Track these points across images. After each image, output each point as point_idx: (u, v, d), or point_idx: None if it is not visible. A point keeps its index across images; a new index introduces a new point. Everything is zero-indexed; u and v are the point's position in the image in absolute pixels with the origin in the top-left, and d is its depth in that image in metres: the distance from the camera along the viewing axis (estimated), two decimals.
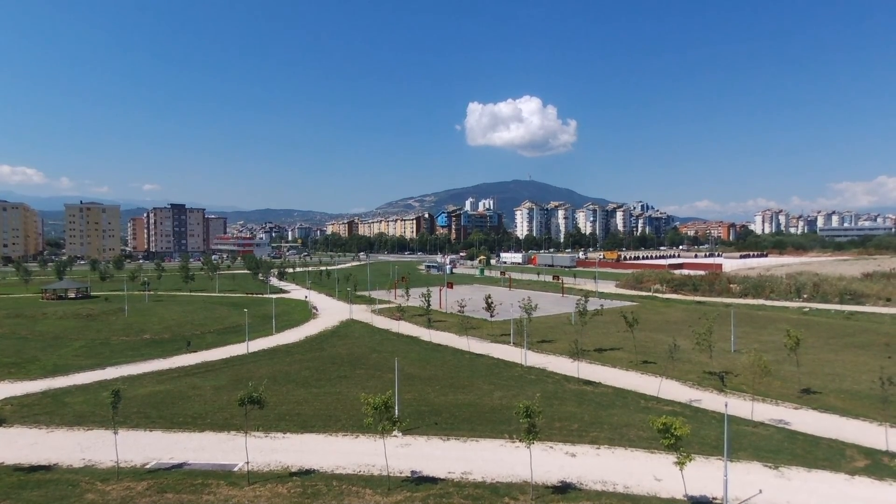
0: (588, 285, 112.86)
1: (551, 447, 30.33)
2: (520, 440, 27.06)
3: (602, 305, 73.56)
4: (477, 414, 36.10)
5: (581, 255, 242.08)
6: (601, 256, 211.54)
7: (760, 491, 25.11)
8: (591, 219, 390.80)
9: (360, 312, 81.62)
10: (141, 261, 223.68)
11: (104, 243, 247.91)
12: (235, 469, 27.91)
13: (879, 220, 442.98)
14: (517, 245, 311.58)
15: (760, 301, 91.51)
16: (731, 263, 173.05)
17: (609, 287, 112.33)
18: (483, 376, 45.73)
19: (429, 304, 70.72)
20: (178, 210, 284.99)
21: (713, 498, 24.54)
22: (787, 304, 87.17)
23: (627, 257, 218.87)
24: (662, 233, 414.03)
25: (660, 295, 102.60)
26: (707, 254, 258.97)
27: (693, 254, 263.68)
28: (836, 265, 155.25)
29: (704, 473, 26.45)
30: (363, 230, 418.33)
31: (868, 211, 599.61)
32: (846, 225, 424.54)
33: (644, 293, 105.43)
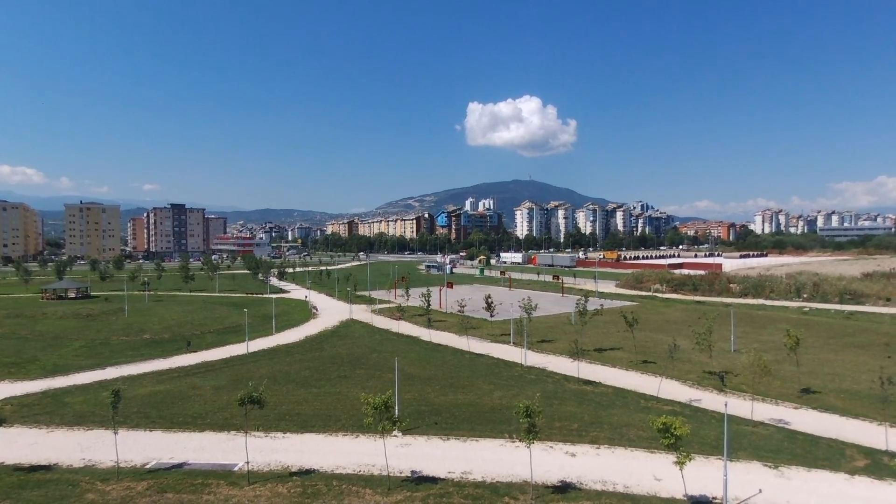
0: (588, 285, 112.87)
1: (551, 447, 30.34)
2: (520, 440, 27.08)
3: (602, 305, 73.54)
4: (477, 414, 36.11)
5: (581, 254, 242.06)
6: (601, 256, 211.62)
7: (760, 490, 25.12)
8: (591, 219, 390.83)
9: (360, 312, 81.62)
10: (141, 261, 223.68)
11: (104, 243, 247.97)
12: (235, 469, 27.92)
13: (879, 220, 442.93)
14: (517, 245, 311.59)
15: (760, 301, 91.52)
16: (731, 263, 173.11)
17: (609, 287, 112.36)
18: (483, 376, 45.74)
19: (429, 304, 70.73)
20: (178, 210, 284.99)
21: (713, 498, 24.55)
22: (786, 304, 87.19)
23: (627, 257, 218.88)
24: (662, 233, 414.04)
25: (660, 295, 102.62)
26: (707, 254, 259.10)
27: (693, 254, 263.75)
28: (835, 265, 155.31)
29: (704, 473, 26.46)
30: (363, 230, 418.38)
31: (868, 211, 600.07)
32: (846, 225, 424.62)
33: (644, 293, 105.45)
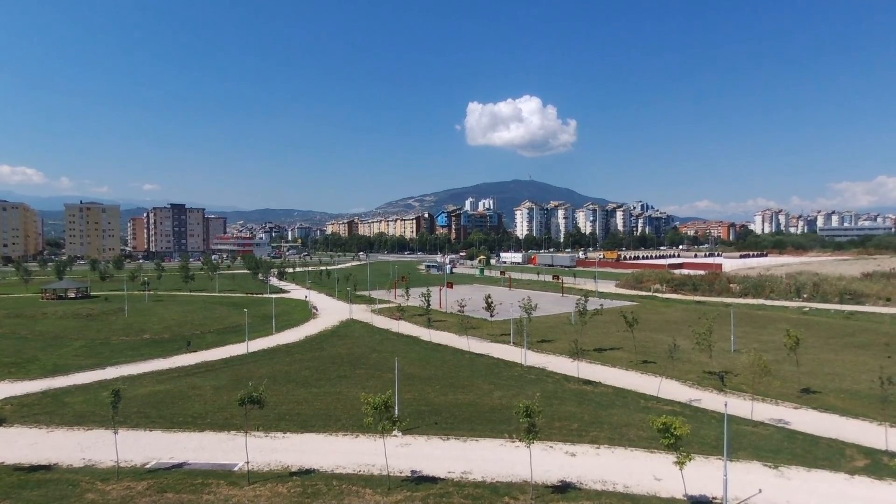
0: (588, 285, 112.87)
1: (551, 447, 30.34)
2: (520, 440, 27.08)
3: (602, 305, 73.56)
4: (477, 413, 36.12)
5: (581, 254, 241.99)
6: (601, 256, 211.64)
7: (760, 490, 25.12)
8: (591, 219, 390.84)
9: (360, 312, 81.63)
10: (141, 261, 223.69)
11: (104, 243, 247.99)
12: (235, 469, 27.92)
13: (879, 220, 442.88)
14: (517, 245, 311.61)
15: (760, 301, 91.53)
16: (731, 263, 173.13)
17: (609, 287, 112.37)
18: (483, 376, 45.75)
19: (429, 304, 70.74)
20: (178, 210, 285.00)
21: (713, 497, 24.55)
22: (786, 304, 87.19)
23: (627, 257, 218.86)
24: (662, 233, 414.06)
25: (660, 295, 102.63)
26: (707, 254, 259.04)
27: (693, 254, 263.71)
28: (835, 265, 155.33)
29: (704, 473, 26.46)
30: (363, 230, 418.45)
31: (868, 211, 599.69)
32: (846, 225, 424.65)
33: (644, 293, 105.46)
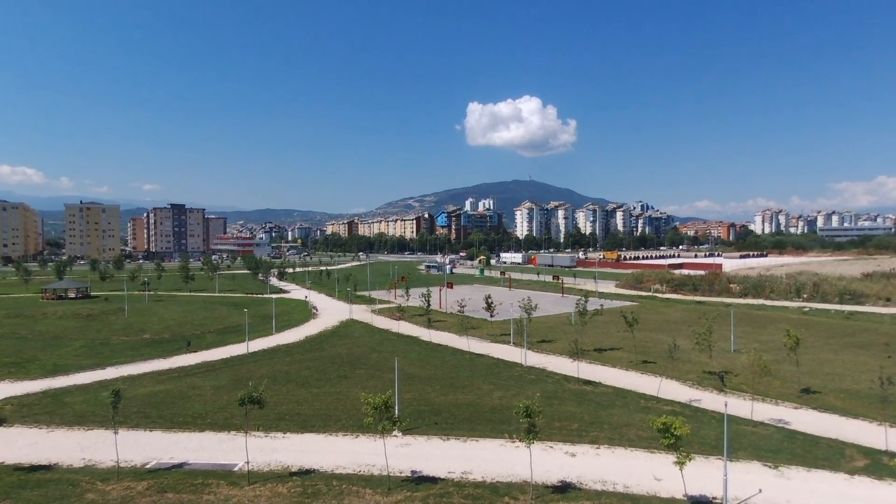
0: (588, 285, 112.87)
1: (551, 447, 30.34)
2: (520, 440, 27.09)
3: (602, 305, 73.56)
4: (477, 414, 36.12)
5: (581, 255, 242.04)
6: (601, 256, 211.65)
7: (760, 490, 25.13)
8: (591, 219, 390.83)
9: (360, 312, 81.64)
10: (141, 261, 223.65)
11: (104, 243, 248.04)
12: (235, 469, 27.93)
13: (879, 220, 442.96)
14: (517, 245, 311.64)
15: (760, 301, 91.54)
16: (731, 263, 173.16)
17: (609, 287, 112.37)
18: (483, 376, 45.75)
19: (429, 304, 70.72)
20: (178, 210, 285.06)
21: (713, 497, 24.56)
22: (786, 304, 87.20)
23: (627, 257, 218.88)
24: (662, 233, 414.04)
25: (660, 295, 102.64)
26: (707, 254, 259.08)
27: (693, 254, 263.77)
28: (835, 265, 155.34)
29: (704, 473, 26.47)
30: (363, 230, 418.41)
31: (868, 211, 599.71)
32: (846, 225, 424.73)
33: (644, 293, 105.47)
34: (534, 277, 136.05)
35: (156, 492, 25.47)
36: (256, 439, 31.13)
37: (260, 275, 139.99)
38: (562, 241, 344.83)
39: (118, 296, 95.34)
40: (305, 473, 27.34)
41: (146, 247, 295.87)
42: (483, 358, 52.40)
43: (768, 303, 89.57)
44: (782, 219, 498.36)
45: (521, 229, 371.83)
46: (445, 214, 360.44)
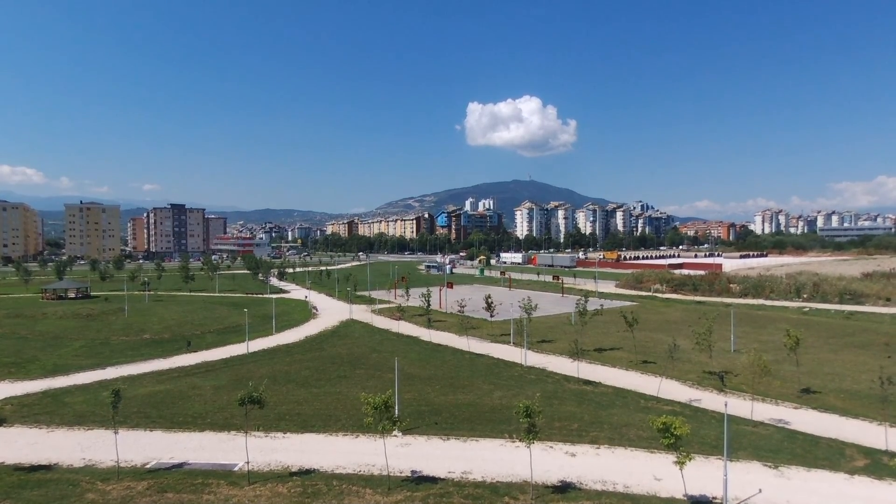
0: (588, 285, 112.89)
1: (551, 447, 30.35)
2: (520, 440, 27.10)
3: (602, 305, 73.58)
4: (477, 414, 36.13)
5: (581, 255, 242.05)
6: (601, 256, 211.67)
7: (760, 490, 25.14)
8: (591, 219, 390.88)
9: (360, 312, 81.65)
10: (141, 261, 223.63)
11: (104, 243, 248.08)
12: (236, 469, 27.93)
13: (879, 220, 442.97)
14: (517, 245, 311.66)
15: (760, 301, 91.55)
16: (731, 263, 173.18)
17: (609, 287, 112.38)
18: (483, 376, 45.76)
19: (429, 304, 70.73)
20: (178, 210, 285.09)
21: (713, 497, 24.56)
22: (786, 304, 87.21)
23: (627, 257, 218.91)
24: (662, 233, 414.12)
25: (660, 295, 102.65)
26: (707, 254, 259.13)
27: (693, 254, 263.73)
28: (835, 265, 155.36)
29: (704, 473, 26.47)
30: (363, 230, 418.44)
31: (868, 211, 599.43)
32: (846, 225, 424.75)
33: (644, 293, 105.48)
34: (534, 277, 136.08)
35: (156, 492, 25.47)
36: (256, 439, 31.14)
37: (260, 275, 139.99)
38: (562, 241, 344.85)
39: (118, 296, 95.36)
40: (305, 473, 27.34)
41: (146, 247, 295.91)
42: (483, 358, 52.40)
43: (768, 303, 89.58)
44: (782, 219, 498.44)
45: (521, 229, 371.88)
46: (445, 214, 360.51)
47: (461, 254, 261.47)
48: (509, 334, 60.54)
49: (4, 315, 79.79)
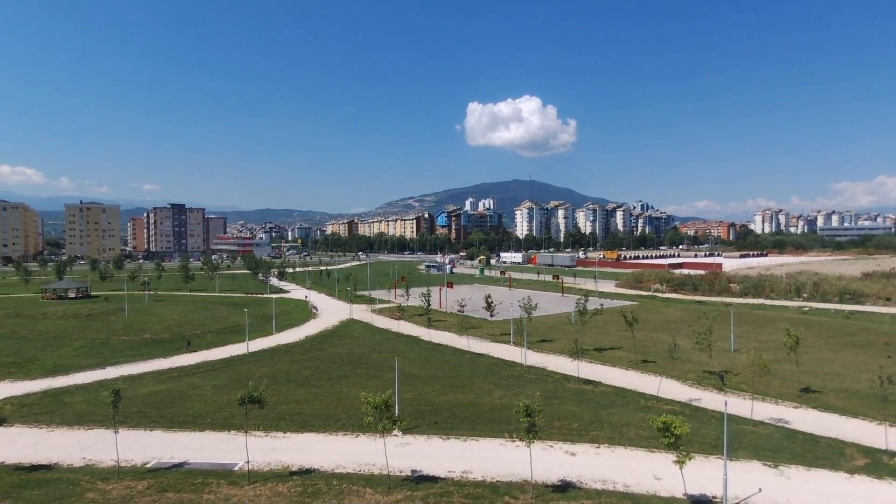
0: (588, 285, 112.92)
1: (551, 446, 30.37)
2: (520, 439, 27.11)
3: (602, 305, 73.61)
4: (477, 413, 36.14)
5: (581, 254, 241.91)
6: (601, 256, 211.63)
7: (760, 490, 25.15)
8: (591, 218, 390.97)
9: (360, 312, 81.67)
10: (141, 261, 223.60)
11: (104, 243, 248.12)
12: (236, 468, 27.95)
13: (879, 219, 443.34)
14: (517, 245, 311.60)
15: (760, 300, 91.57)
16: (731, 263, 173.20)
17: (609, 287, 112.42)
18: (483, 376, 45.78)
19: (429, 304, 70.75)
20: (178, 210, 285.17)
21: (713, 497, 24.58)
22: (786, 304, 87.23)
23: (627, 257, 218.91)
24: (662, 232, 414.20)
25: (660, 294, 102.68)
26: (707, 253, 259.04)
27: (693, 253, 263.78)
28: (835, 265, 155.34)
29: (704, 472, 26.49)
30: (363, 230, 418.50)
31: (868, 211, 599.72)
32: (846, 225, 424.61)
33: (644, 293, 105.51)
34: (534, 277, 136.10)
35: (156, 491, 25.49)
36: (256, 439, 31.15)
37: (260, 275, 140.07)
38: (562, 240, 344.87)
39: (118, 296, 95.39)
40: (306, 473, 27.36)
41: (146, 247, 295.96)
42: (483, 357, 52.42)
43: (768, 302, 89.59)
44: (782, 218, 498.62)
45: (521, 229, 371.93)
46: (445, 214, 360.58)
47: (461, 253, 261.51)
48: (509, 334, 60.55)
49: (4, 315, 79.81)
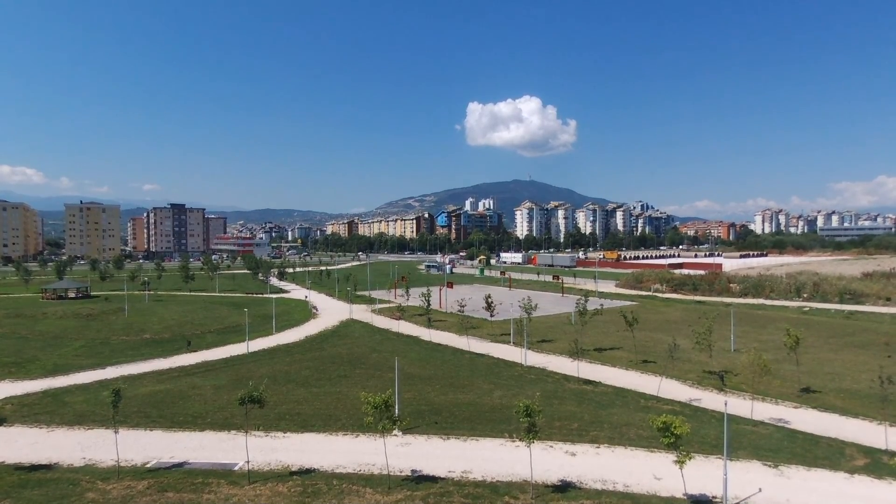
0: (588, 285, 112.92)
1: (551, 446, 30.37)
2: (520, 439, 27.12)
3: (602, 305, 73.58)
4: (477, 413, 36.15)
5: (581, 254, 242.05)
6: (601, 256, 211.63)
7: (760, 489, 25.16)
8: (591, 219, 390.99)
9: (360, 312, 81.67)
10: (141, 261, 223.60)
11: (104, 243, 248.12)
12: (236, 468, 27.95)
13: (879, 219, 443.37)
14: (517, 245, 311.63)
15: (760, 300, 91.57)
16: (731, 263, 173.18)
17: (609, 287, 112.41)
18: (483, 376, 45.78)
19: (429, 304, 70.75)
20: (178, 210, 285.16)
21: (713, 497, 24.58)
22: (786, 304, 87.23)
23: (627, 257, 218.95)
24: (662, 232, 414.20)
25: (660, 294, 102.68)
26: (707, 253, 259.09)
27: (693, 253, 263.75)
28: (835, 265, 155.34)
29: (704, 472, 26.49)
30: (363, 230, 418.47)
31: (868, 211, 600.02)
32: (846, 225, 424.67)
33: (644, 293, 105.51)
34: (534, 277, 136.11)
35: (156, 491, 25.49)
36: (256, 439, 31.16)
37: (260, 275, 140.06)
38: (562, 240, 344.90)
39: (118, 296, 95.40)
40: (306, 473, 27.36)
41: (146, 247, 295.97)
42: (483, 358, 52.43)
43: (768, 302, 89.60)
44: (782, 219, 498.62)
45: (521, 229, 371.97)
46: (445, 214, 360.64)
47: (461, 254, 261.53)
48: (509, 334, 60.56)
49: (4, 315, 79.82)
